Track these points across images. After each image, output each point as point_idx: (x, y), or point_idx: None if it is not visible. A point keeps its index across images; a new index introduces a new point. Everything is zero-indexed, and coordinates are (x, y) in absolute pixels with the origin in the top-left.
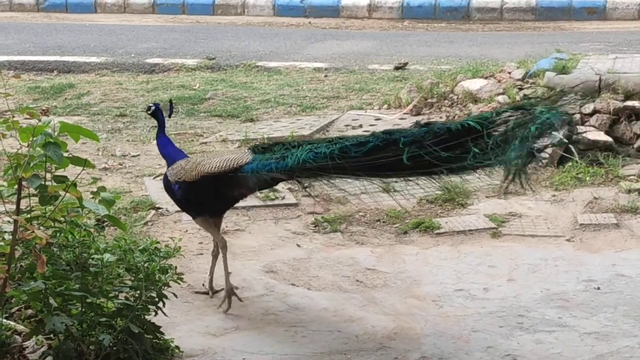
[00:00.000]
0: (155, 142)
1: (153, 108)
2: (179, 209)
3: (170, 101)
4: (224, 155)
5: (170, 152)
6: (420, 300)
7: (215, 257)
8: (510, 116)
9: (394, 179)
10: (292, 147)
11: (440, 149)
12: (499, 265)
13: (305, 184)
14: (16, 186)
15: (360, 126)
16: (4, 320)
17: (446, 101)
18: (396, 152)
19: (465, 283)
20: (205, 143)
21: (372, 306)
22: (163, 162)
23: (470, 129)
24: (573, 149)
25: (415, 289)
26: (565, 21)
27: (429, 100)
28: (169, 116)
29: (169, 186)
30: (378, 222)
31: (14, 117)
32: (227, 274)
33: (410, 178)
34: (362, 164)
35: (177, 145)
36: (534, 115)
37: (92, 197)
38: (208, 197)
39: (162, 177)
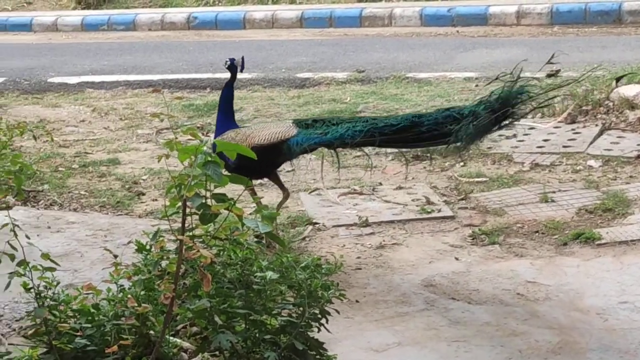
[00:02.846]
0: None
1: (229, 63)
2: (335, 223)
3: (242, 57)
4: (271, 128)
5: (222, 110)
6: (583, 313)
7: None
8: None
9: (411, 149)
10: (332, 124)
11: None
12: None
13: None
14: (177, 205)
15: (514, 135)
16: (171, 338)
17: (601, 108)
18: (419, 130)
19: (630, 295)
20: (359, 156)
21: (534, 320)
22: (317, 176)
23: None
24: None
25: (578, 301)
26: None
27: (584, 107)
28: (241, 70)
29: (220, 154)
30: (536, 234)
31: (177, 138)
32: None
33: (426, 147)
34: (390, 139)
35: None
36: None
37: (250, 214)
38: (257, 163)
39: (317, 191)
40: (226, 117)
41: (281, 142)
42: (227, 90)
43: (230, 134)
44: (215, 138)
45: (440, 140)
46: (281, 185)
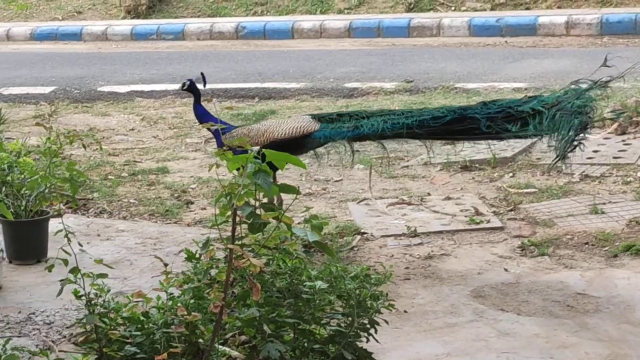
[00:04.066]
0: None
1: (188, 83)
2: (383, 233)
3: (202, 73)
4: (290, 123)
5: (211, 120)
6: (634, 326)
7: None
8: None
9: (461, 141)
10: (361, 118)
11: (506, 123)
12: None
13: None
14: (227, 214)
15: None
16: (220, 347)
17: None
18: (471, 124)
19: None
20: (407, 166)
21: (584, 332)
22: (366, 186)
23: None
24: None
25: (629, 314)
26: None
27: (635, 118)
28: (204, 86)
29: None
30: (586, 245)
31: (226, 147)
32: None
33: (478, 140)
34: (436, 132)
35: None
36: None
37: (299, 224)
38: None
39: (366, 201)
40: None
41: (303, 136)
42: (199, 107)
43: (241, 130)
44: (221, 139)
45: (498, 135)
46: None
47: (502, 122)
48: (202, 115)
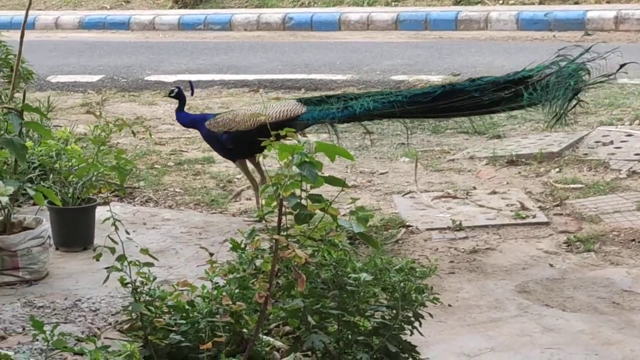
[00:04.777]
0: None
1: (176, 90)
2: (428, 226)
3: (190, 82)
4: (278, 107)
5: (194, 117)
6: None
7: (256, 188)
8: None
9: (455, 119)
10: (349, 100)
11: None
12: None
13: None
14: (273, 204)
15: (612, 142)
16: (264, 337)
17: None
18: (461, 97)
19: None
20: (453, 160)
21: (630, 329)
22: (412, 179)
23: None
24: None
25: None
26: None
27: None
28: (192, 94)
29: (213, 136)
30: (633, 242)
31: (273, 138)
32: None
33: (471, 115)
34: (426, 108)
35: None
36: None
37: (344, 215)
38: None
39: (411, 194)
40: (200, 118)
41: (291, 119)
42: (180, 114)
43: (227, 115)
44: (205, 125)
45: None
46: (261, 171)
47: (493, 93)
48: (184, 117)
